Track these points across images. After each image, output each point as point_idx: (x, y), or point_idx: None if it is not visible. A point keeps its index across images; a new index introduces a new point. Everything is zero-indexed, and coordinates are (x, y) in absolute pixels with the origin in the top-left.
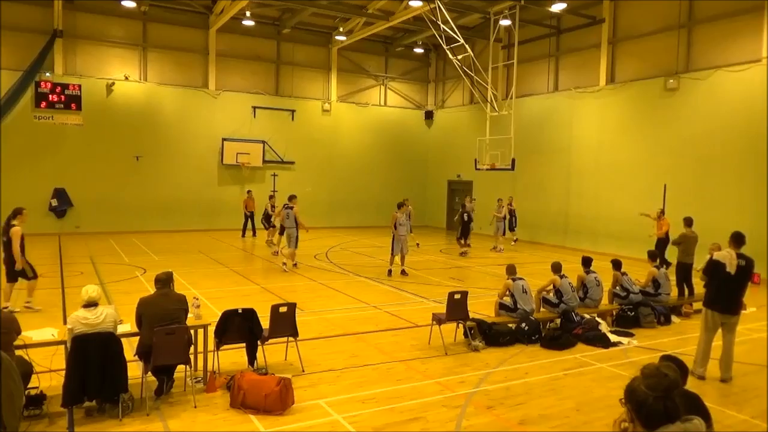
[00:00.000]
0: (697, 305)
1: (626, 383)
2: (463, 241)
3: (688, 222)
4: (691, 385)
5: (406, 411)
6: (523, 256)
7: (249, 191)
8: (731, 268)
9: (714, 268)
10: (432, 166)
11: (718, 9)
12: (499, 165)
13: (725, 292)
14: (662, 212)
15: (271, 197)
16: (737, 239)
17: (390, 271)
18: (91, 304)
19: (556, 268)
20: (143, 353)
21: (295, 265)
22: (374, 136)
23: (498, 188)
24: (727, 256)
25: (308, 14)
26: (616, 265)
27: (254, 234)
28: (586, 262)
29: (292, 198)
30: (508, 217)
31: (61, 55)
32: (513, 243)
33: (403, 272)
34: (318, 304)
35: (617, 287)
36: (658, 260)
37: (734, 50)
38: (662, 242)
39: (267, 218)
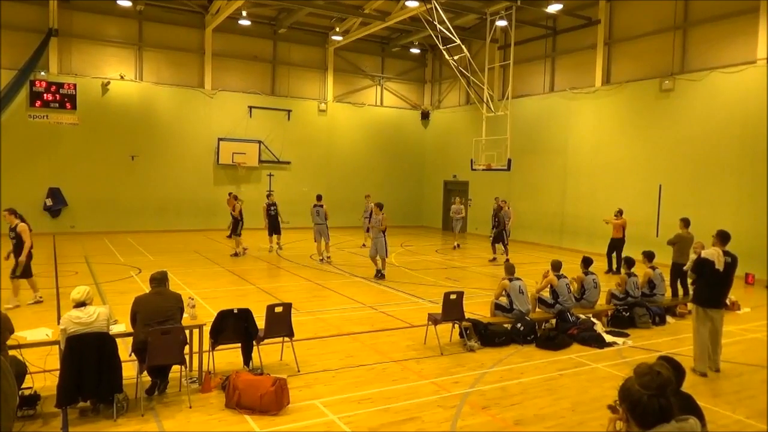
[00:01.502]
0: (692, 305)
1: (620, 384)
2: (502, 246)
3: (686, 223)
4: (686, 385)
5: (401, 411)
6: (520, 257)
7: (230, 193)
8: (719, 265)
9: (703, 266)
10: (428, 167)
11: (713, 10)
12: (495, 165)
13: (714, 289)
14: (620, 212)
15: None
16: (723, 237)
17: (380, 274)
18: (81, 304)
19: (556, 266)
20: (138, 350)
21: (328, 258)
22: (370, 136)
23: (494, 189)
24: (715, 254)
25: (304, 14)
26: (628, 263)
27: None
28: (587, 262)
29: (320, 197)
30: (511, 218)
31: (56, 53)
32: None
33: (379, 274)
34: (314, 305)
35: (617, 289)
36: (653, 260)
37: (729, 51)
38: (618, 242)
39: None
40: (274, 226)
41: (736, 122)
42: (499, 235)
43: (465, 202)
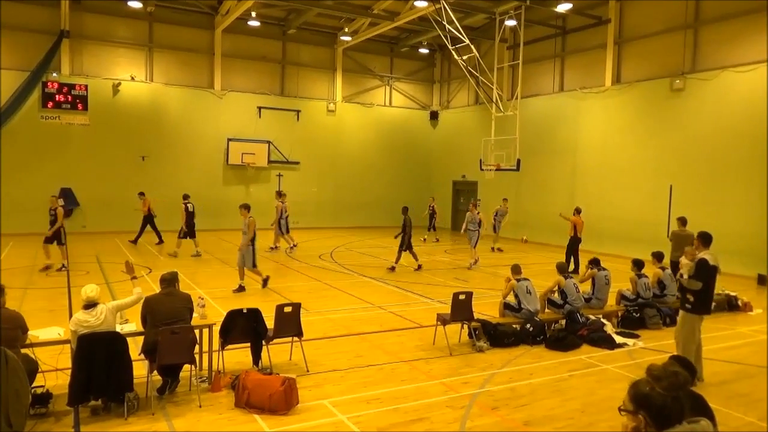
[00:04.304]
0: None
1: (630, 388)
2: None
3: (682, 221)
4: (696, 387)
5: (410, 411)
6: (529, 257)
7: (141, 192)
8: (719, 269)
9: (710, 272)
10: (437, 167)
11: (724, 9)
12: (504, 165)
13: (711, 295)
14: (577, 210)
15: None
16: (708, 239)
17: (240, 287)
18: (90, 304)
19: (561, 268)
20: (148, 351)
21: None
22: (379, 136)
23: (503, 189)
24: (713, 258)
25: (313, 15)
26: (637, 265)
27: (160, 240)
28: (595, 262)
29: (280, 194)
30: (492, 223)
31: (67, 55)
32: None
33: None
34: (322, 305)
35: (627, 291)
36: (661, 261)
37: (741, 50)
38: (574, 242)
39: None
40: (191, 229)
41: (748, 122)
42: (405, 240)
43: (475, 203)
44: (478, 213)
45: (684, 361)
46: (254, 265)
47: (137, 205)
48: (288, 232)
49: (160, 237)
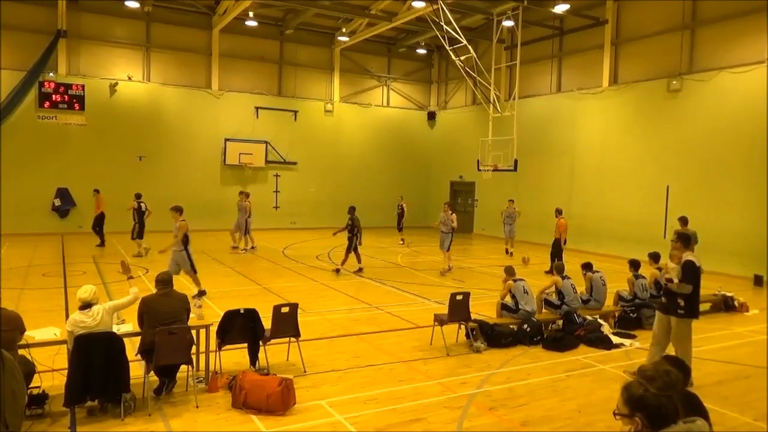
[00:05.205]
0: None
1: (623, 393)
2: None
3: (684, 221)
4: (694, 387)
5: (407, 412)
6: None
7: (96, 189)
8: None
9: (697, 274)
10: (434, 167)
11: (721, 10)
12: (502, 166)
13: (699, 297)
14: (558, 212)
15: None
16: (689, 240)
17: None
18: (85, 305)
19: (559, 269)
20: (145, 352)
21: (245, 249)
22: (377, 136)
23: (500, 189)
24: (697, 259)
25: (311, 15)
26: (634, 265)
27: (102, 242)
28: (587, 266)
29: (241, 193)
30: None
31: (64, 55)
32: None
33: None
34: (320, 305)
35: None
36: (659, 261)
37: (738, 51)
38: (557, 243)
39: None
40: (142, 228)
41: (745, 123)
42: (353, 241)
43: (473, 202)
44: (452, 213)
45: (677, 362)
46: (194, 271)
47: (91, 204)
48: (249, 233)
49: (102, 240)
